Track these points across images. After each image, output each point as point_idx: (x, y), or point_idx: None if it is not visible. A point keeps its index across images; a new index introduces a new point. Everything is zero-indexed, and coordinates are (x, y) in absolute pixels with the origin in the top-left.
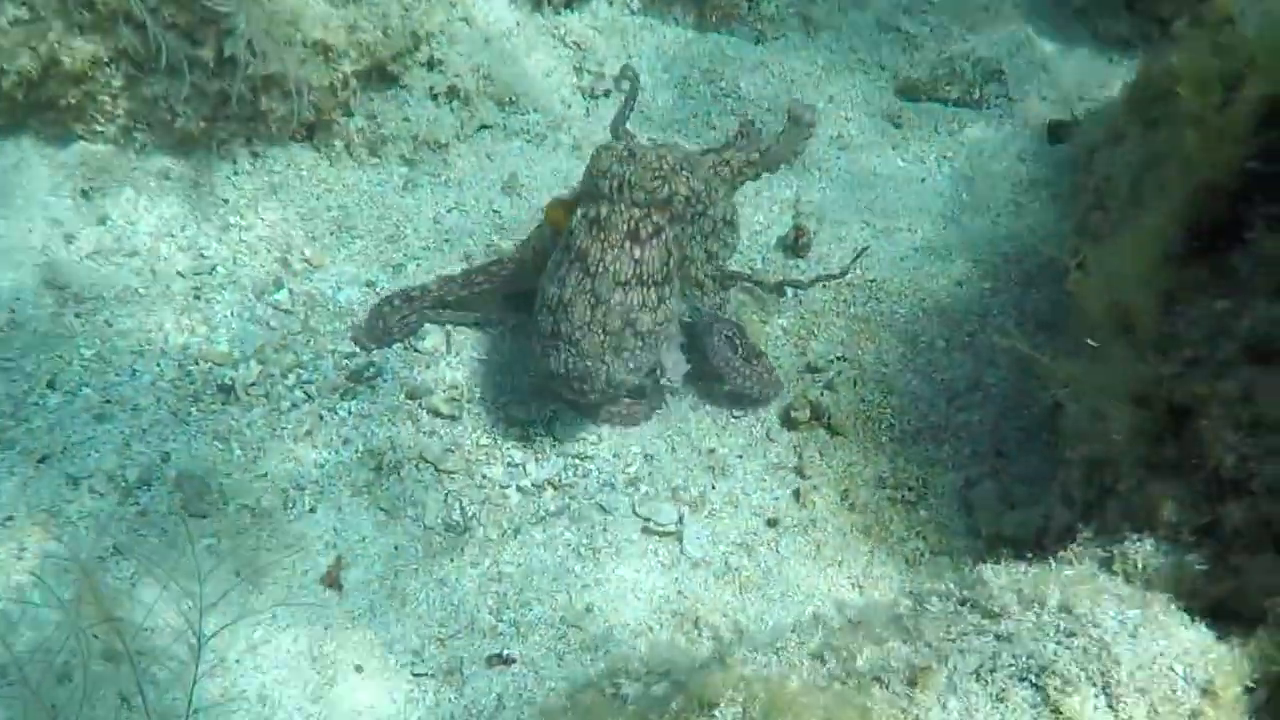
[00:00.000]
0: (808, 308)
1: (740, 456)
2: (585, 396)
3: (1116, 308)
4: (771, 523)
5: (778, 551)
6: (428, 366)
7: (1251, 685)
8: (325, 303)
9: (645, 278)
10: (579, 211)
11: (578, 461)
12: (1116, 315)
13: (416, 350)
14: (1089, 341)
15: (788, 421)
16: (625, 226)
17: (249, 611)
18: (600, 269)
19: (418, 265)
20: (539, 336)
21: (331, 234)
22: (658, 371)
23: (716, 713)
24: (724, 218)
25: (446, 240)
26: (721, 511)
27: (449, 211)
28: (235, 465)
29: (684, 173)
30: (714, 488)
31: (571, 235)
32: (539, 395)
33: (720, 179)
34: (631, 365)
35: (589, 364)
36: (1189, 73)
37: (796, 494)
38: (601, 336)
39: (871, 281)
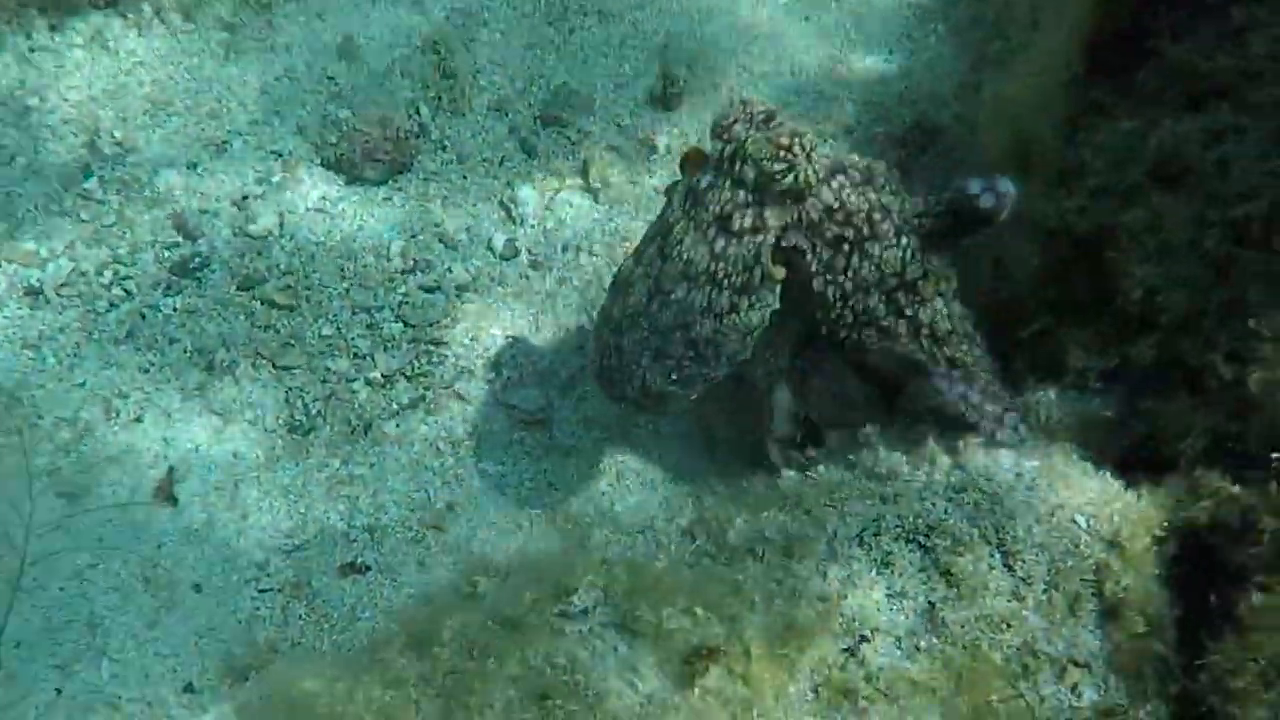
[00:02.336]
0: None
1: None
2: (613, 398)
3: (1018, 141)
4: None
5: (659, 433)
6: (260, 253)
7: (1161, 535)
8: (141, 189)
9: (721, 278)
10: (688, 177)
11: (431, 348)
12: (1018, 149)
13: (247, 235)
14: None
15: None
16: (719, 209)
17: (72, 534)
18: (675, 253)
19: (244, 142)
20: (599, 313)
21: (144, 112)
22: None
23: (575, 599)
24: (905, 274)
25: (276, 113)
26: (593, 395)
27: (277, 80)
28: (49, 375)
29: (839, 175)
30: (584, 369)
31: (669, 202)
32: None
33: (907, 224)
34: (675, 377)
35: (620, 360)
36: None
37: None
38: (644, 333)
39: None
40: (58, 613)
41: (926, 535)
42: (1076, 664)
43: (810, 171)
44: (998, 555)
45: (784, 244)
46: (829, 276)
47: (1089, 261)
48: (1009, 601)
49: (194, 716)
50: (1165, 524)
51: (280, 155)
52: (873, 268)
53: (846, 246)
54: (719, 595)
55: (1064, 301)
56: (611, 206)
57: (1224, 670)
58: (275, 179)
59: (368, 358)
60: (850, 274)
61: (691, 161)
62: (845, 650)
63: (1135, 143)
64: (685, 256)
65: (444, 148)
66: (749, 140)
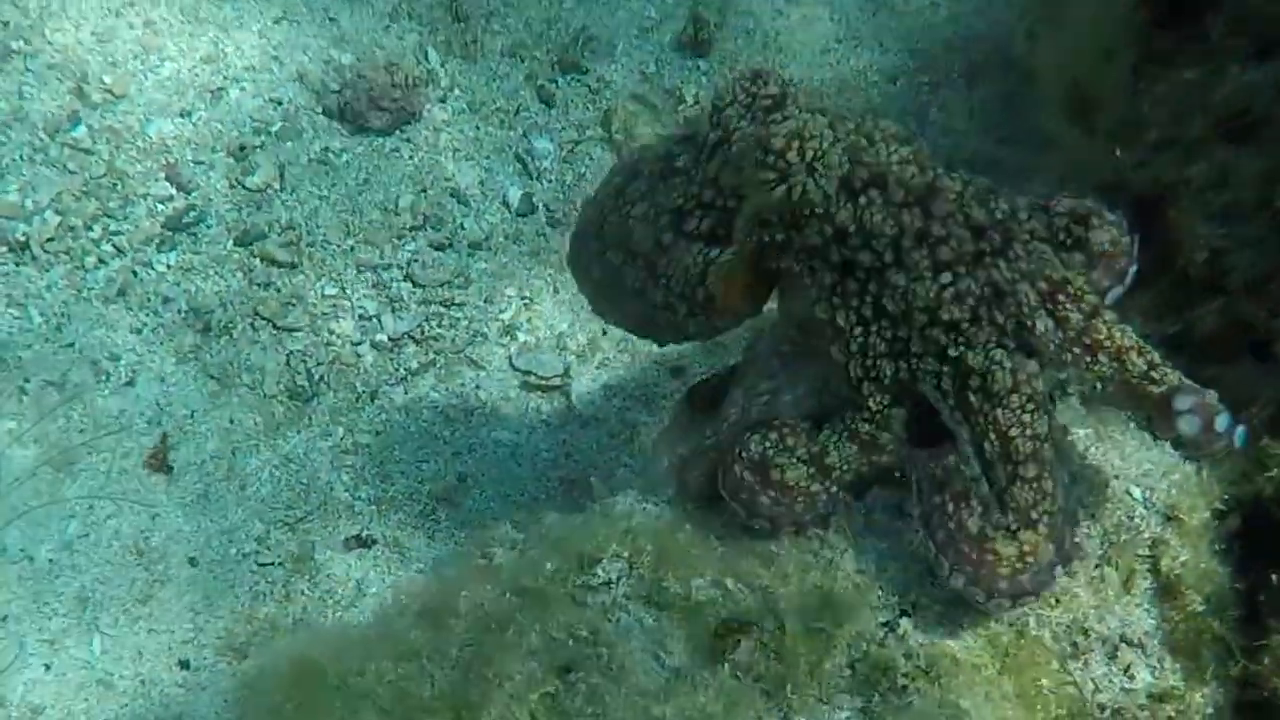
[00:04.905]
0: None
1: None
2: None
3: (1076, 89)
4: (676, 371)
5: None
6: (259, 207)
7: (1223, 509)
8: (133, 139)
9: (659, 274)
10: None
11: (443, 310)
12: (1076, 99)
13: (245, 188)
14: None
15: None
16: (680, 199)
17: (59, 503)
18: (624, 213)
19: (242, 89)
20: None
21: (135, 56)
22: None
23: (599, 569)
24: (939, 311)
25: (275, 58)
26: (616, 360)
27: (276, 23)
28: (35, 335)
29: (873, 191)
30: (605, 333)
31: (659, 143)
32: None
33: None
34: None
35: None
36: None
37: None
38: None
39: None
40: (46, 585)
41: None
42: (1130, 644)
43: (812, 187)
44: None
45: (762, 264)
46: (835, 300)
47: (1149, 220)
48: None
49: (191, 695)
50: (1227, 497)
51: (280, 103)
52: (897, 298)
53: (860, 274)
54: (751, 567)
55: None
56: None
57: None
58: (274, 128)
59: (374, 319)
60: (868, 300)
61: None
62: (884, 625)
63: (1200, 94)
64: (630, 225)
65: (455, 96)
66: (736, 136)
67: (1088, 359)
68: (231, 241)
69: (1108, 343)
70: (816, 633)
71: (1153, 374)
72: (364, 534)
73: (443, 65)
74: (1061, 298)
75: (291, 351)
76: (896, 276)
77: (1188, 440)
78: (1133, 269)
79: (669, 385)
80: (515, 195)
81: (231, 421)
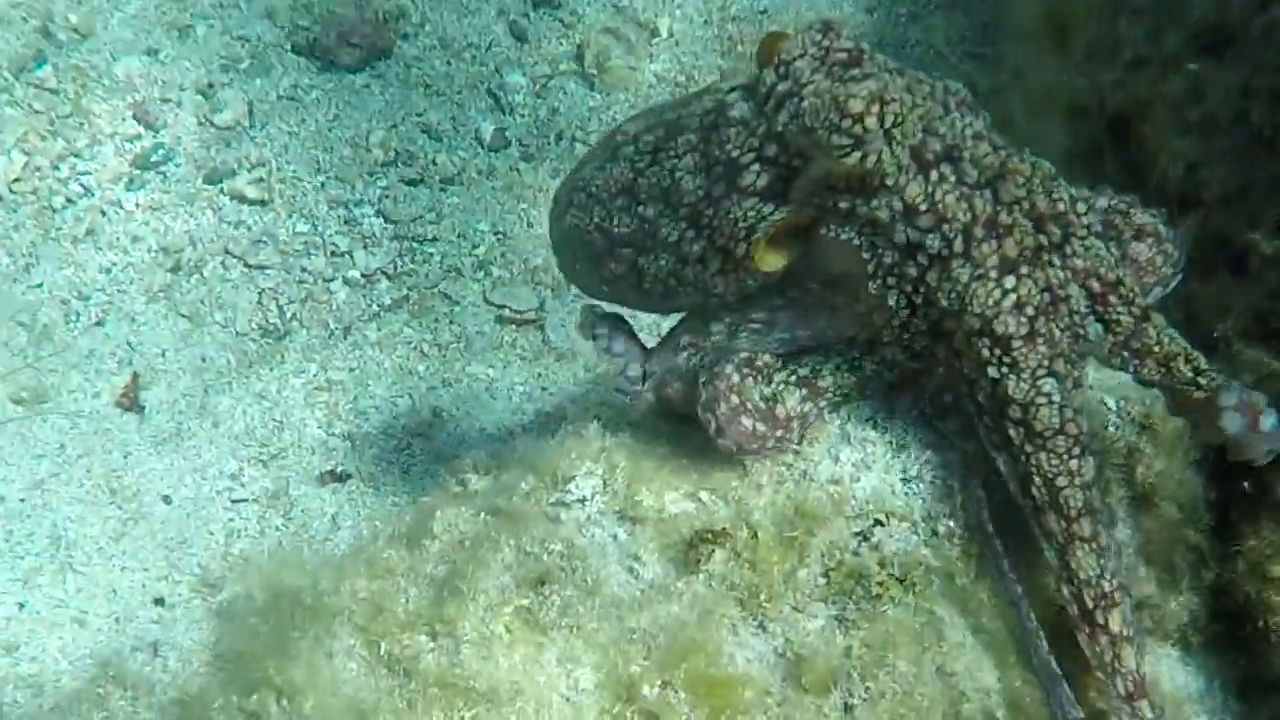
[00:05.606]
0: (685, 48)
1: None
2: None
3: (1051, 9)
4: None
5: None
6: (228, 144)
7: None
8: (99, 78)
9: (704, 224)
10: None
11: (415, 245)
12: (1052, 18)
13: (214, 125)
14: None
15: None
16: (736, 151)
17: (30, 443)
18: (668, 163)
19: (209, 27)
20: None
21: None
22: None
23: (572, 486)
24: (994, 325)
25: None
26: None
27: None
28: (3, 276)
29: (944, 165)
30: None
31: (708, 89)
32: None
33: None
34: (604, 289)
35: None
36: None
37: None
38: (593, 223)
39: (762, 13)
40: (18, 525)
41: (942, 418)
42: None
43: (888, 157)
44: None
45: (822, 231)
46: (890, 281)
47: (1124, 139)
48: None
49: (166, 629)
50: None
51: (248, 40)
52: (954, 295)
53: (923, 259)
54: (725, 479)
55: (1096, 184)
56: (609, 93)
57: (1262, 556)
58: (243, 65)
59: (346, 256)
60: (923, 289)
61: (767, 53)
62: (858, 534)
63: (1176, 8)
64: (676, 176)
65: (426, 32)
66: (809, 91)
67: (1135, 363)
68: (201, 179)
69: (1156, 348)
70: (790, 542)
71: (1199, 380)
72: (338, 469)
73: (413, 1)
74: (1113, 299)
75: (263, 289)
76: (961, 270)
77: (1232, 440)
78: (1178, 272)
79: (645, 318)
80: (488, 130)
81: (203, 360)
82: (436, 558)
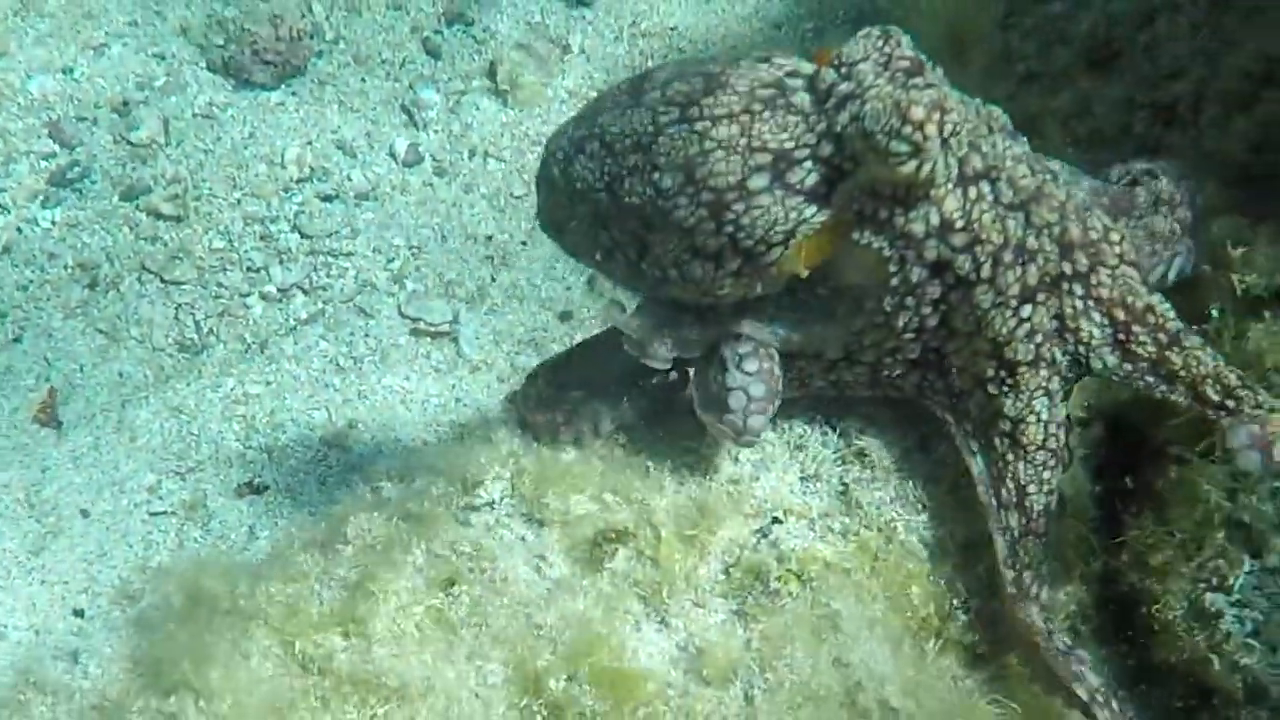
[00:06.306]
0: (596, 65)
1: (524, 243)
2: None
3: (952, 29)
4: (564, 316)
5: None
6: (144, 161)
7: (1084, 417)
8: (14, 95)
9: (729, 218)
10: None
11: (331, 260)
12: (953, 36)
13: (130, 143)
14: None
15: None
16: (788, 142)
17: None
18: (700, 128)
19: (124, 45)
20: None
21: (14, 13)
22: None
23: (482, 490)
24: (1004, 351)
25: (158, 13)
26: (504, 306)
27: None
28: None
29: (983, 183)
30: (494, 280)
31: (753, 58)
32: None
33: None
34: (597, 259)
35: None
36: None
37: (591, 282)
38: (599, 181)
39: (672, 29)
40: None
41: (840, 418)
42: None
43: (942, 167)
44: (913, 436)
45: (855, 239)
46: (908, 301)
47: None
48: (925, 484)
49: (85, 640)
50: (1087, 405)
51: (163, 58)
52: (971, 320)
53: (950, 278)
54: (628, 481)
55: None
56: (522, 110)
57: (1144, 545)
58: (158, 83)
59: (262, 271)
60: (941, 309)
61: (824, 58)
62: (757, 532)
63: (1066, 26)
64: (707, 147)
65: (340, 49)
66: (871, 93)
67: (1164, 388)
68: (117, 196)
69: (1184, 373)
70: (691, 540)
71: (1227, 404)
72: (255, 481)
73: (327, 18)
74: (1137, 329)
75: (180, 304)
76: (984, 296)
77: (1254, 475)
78: (1186, 234)
79: (557, 330)
80: (402, 146)
81: (121, 375)
82: (349, 561)
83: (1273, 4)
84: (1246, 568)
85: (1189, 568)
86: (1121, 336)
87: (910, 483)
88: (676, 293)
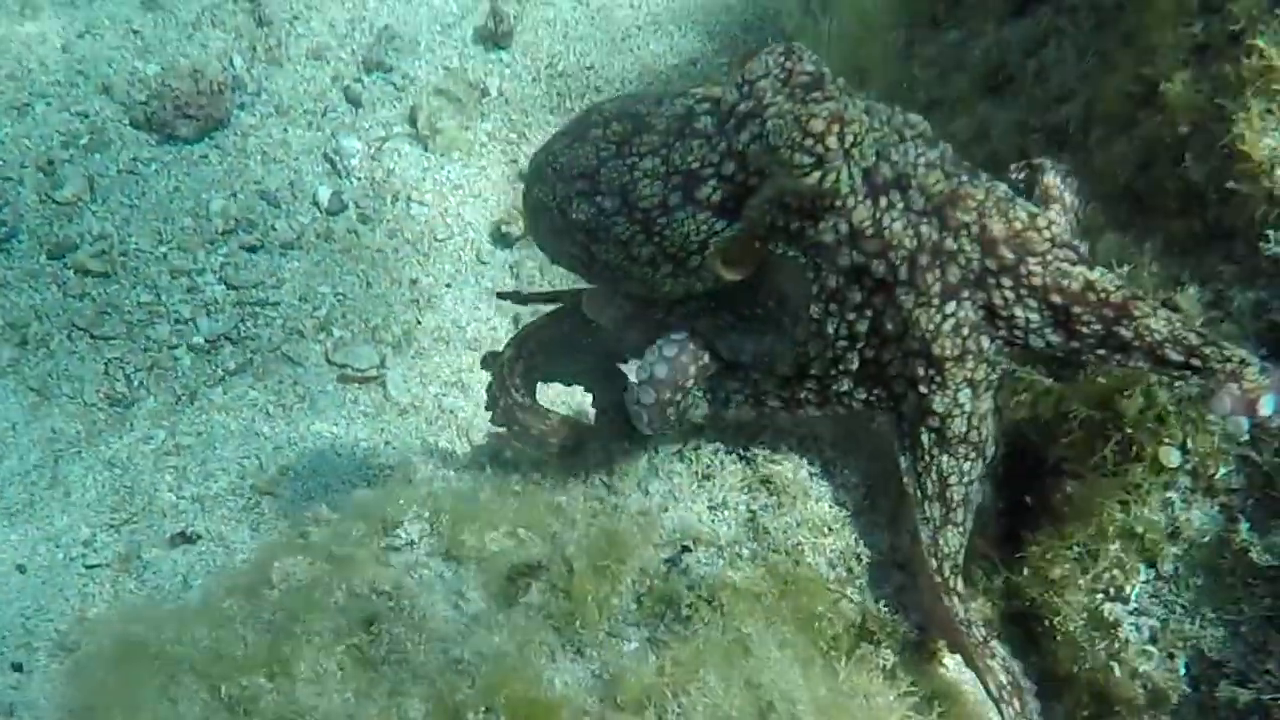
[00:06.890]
0: (515, 106)
1: (449, 285)
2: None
3: (854, 61)
4: (488, 359)
5: None
6: (70, 219)
7: None
8: None
9: (655, 231)
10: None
11: (257, 310)
12: (855, 68)
13: (55, 201)
14: None
15: (500, 238)
16: (695, 162)
17: None
18: (629, 161)
19: (47, 104)
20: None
21: None
22: None
23: (401, 531)
24: (932, 348)
25: (80, 73)
26: (431, 350)
27: (80, 37)
28: None
29: (894, 192)
30: (419, 323)
31: (674, 97)
32: None
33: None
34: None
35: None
36: None
37: (517, 320)
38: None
39: (589, 69)
40: None
41: (745, 447)
42: (900, 567)
43: (845, 177)
44: (817, 462)
45: (770, 247)
46: (831, 308)
47: None
48: (830, 507)
49: (23, 693)
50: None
51: (87, 116)
52: (897, 320)
53: (868, 282)
54: (541, 517)
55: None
56: (443, 154)
57: (1042, 560)
58: (83, 141)
59: (190, 323)
60: (866, 315)
61: (734, 69)
62: (667, 561)
63: (961, 54)
64: (635, 176)
65: (262, 100)
66: (772, 111)
67: (1119, 357)
68: (44, 255)
69: (1137, 342)
70: (603, 571)
71: (1192, 363)
72: (189, 530)
73: (249, 70)
74: (1078, 309)
75: (110, 359)
76: (905, 297)
77: (1239, 437)
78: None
79: (479, 374)
80: (325, 194)
81: (53, 431)
82: (274, 605)
83: (1148, 26)
84: (1142, 576)
85: (1086, 580)
86: (1062, 318)
87: (817, 506)
88: (630, 289)
